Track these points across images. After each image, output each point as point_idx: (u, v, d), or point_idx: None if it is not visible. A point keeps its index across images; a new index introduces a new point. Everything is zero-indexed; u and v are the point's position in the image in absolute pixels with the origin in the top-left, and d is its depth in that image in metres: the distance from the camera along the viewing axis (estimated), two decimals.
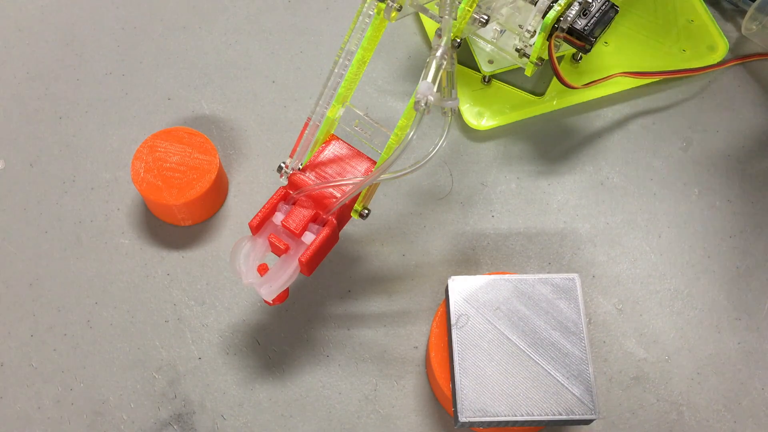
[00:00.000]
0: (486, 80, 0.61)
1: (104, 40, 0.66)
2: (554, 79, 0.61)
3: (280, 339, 0.55)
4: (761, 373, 0.54)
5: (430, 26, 0.65)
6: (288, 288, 0.48)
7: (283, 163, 0.50)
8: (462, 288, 0.49)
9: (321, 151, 0.51)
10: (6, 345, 0.55)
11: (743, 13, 0.66)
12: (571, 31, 0.51)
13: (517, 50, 0.55)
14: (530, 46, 0.54)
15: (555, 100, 0.61)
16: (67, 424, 0.53)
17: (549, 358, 0.47)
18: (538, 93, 0.61)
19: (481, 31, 0.57)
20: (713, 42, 0.64)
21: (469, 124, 0.61)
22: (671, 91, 0.63)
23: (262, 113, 0.63)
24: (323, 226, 0.48)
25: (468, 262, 0.57)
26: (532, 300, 0.48)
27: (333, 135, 0.51)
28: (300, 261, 0.47)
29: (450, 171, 0.60)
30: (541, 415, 0.45)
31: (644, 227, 0.58)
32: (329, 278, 0.57)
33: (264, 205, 0.49)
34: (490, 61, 0.60)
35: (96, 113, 0.63)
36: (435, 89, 0.45)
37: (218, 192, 0.58)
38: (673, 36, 0.64)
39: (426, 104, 0.45)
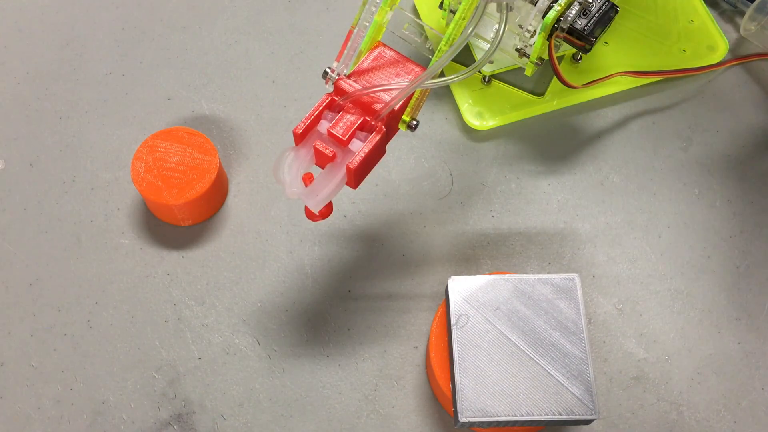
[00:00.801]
0: (486, 80, 0.61)
1: (104, 40, 0.66)
2: (554, 79, 0.61)
3: (280, 339, 0.55)
4: (761, 373, 0.54)
5: (430, 25, 0.64)
6: (332, 202, 0.46)
7: (329, 68, 0.47)
8: (462, 288, 0.49)
9: (367, 58, 0.48)
10: (6, 345, 0.55)
11: (742, 13, 0.66)
12: (572, 30, 0.51)
13: (517, 50, 0.55)
14: (530, 46, 0.54)
15: (555, 100, 0.61)
16: (67, 424, 0.53)
17: (549, 358, 0.47)
18: (538, 93, 0.61)
19: (482, 31, 0.57)
20: (713, 42, 0.64)
21: (469, 124, 0.61)
22: (671, 91, 0.63)
23: (262, 113, 0.63)
24: (371, 133, 0.46)
25: (468, 262, 0.57)
26: (532, 300, 0.48)
27: (380, 42, 0.49)
28: (348, 168, 0.45)
29: (450, 171, 0.60)
30: (541, 415, 0.45)
31: (644, 227, 0.58)
32: (329, 278, 0.57)
33: (309, 113, 0.46)
34: (490, 61, 0.60)
35: (96, 113, 0.63)
36: None
37: (218, 192, 0.58)
38: (673, 36, 0.64)
39: None
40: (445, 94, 0.63)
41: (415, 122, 0.47)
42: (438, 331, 0.50)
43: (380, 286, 0.56)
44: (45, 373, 0.54)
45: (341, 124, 0.45)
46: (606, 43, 0.63)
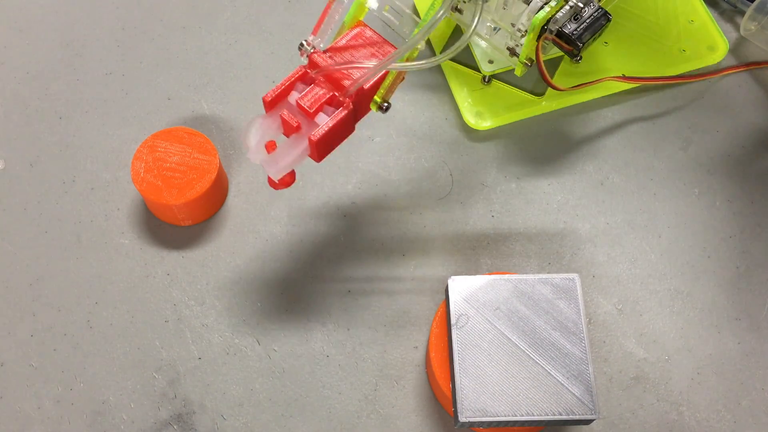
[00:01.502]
0: (486, 80, 0.61)
1: (104, 40, 0.66)
2: (553, 79, 0.61)
3: (280, 339, 0.55)
4: (761, 373, 0.54)
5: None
6: (294, 172, 0.47)
7: (305, 40, 0.47)
8: (462, 288, 0.49)
9: (345, 36, 0.49)
10: (6, 345, 0.55)
11: (742, 13, 0.66)
12: (560, 34, 0.51)
13: (509, 49, 0.54)
14: (520, 45, 0.53)
15: (555, 100, 0.61)
16: (67, 424, 0.53)
17: (549, 358, 0.47)
18: (538, 93, 0.61)
19: (479, 28, 0.57)
20: (713, 42, 0.64)
21: (469, 124, 0.61)
22: (671, 92, 0.63)
23: (262, 113, 0.62)
24: (338, 108, 0.46)
25: (468, 262, 0.57)
26: (532, 300, 0.48)
27: (360, 21, 0.49)
28: (310, 140, 0.46)
29: (450, 171, 0.60)
30: (541, 415, 0.45)
31: (644, 227, 0.58)
32: (329, 278, 0.57)
33: (281, 82, 0.47)
34: (490, 61, 0.60)
35: (96, 113, 0.63)
36: None
37: (218, 192, 0.58)
38: (673, 36, 0.64)
39: None
40: (445, 94, 0.63)
41: (386, 104, 0.47)
42: (438, 331, 0.50)
43: (380, 287, 0.56)
44: (45, 373, 0.54)
45: (309, 96, 0.46)
46: (606, 43, 0.63)
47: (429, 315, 0.56)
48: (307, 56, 0.47)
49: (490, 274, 0.50)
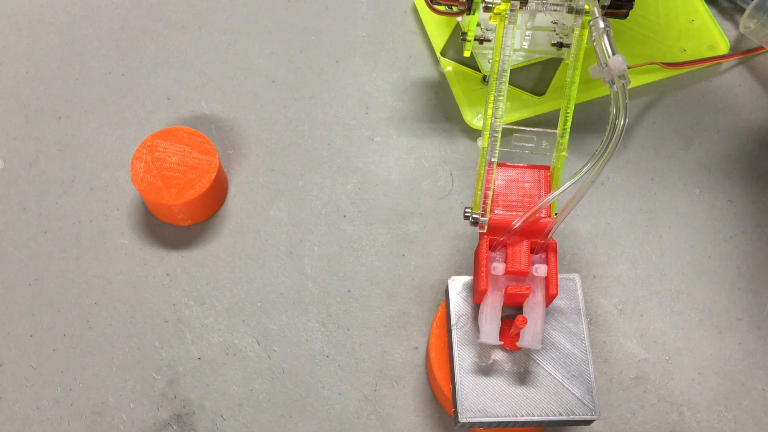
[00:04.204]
0: (486, 80, 0.61)
1: (104, 39, 0.66)
2: (554, 78, 0.61)
3: (280, 339, 0.55)
4: (762, 373, 0.54)
5: (430, 25, 0.64)
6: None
7: (470, 212, 0.46)
8: (462, 288, 0.48)
9: (488, 182, 0.47)
10: (5, 345, 0.55)
11: (741, 11, 0.65)
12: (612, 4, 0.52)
13: (554, 45, 0.55)
14: (567, 36, 0.55)
15: (555, 100, 0.61)
16: (67, 425, 0.53)
17: (549, 358, 0.46)
18: (538, 93, 0.61)
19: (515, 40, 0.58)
20: (714, 41, 0.64)
21: (470, 124, 0.61)
22: (672, 91, 0.63)
23: (262, 113, 0.62)
24: (545, 252, 0.46)
25: (468, 262, 0.57)
26: None
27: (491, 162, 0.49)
28: (551, 296, 0.45)
29: (450, 171, 0.60)
30: (541, 416, 0.45)
31: (645, 227, 0.58)
32: (329, 278, 0.57)
33: (478, 266, 0.46)
34: (490, 61, 0.60)
35: (95, 113, 0.63)
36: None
37: (218, 192, 0.58)
38: (673, 35, 0.64)
39: (623, 77, 0.43)
40: (445, 94, 0.63)
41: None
42: (438, 331, 0.50)
43: (380, 286, 0.56)
44: (44, 374, 0.54)
45: (517, 259, 0.45)
46: None
47: (429, 315, 0.55)
48: (486, 224, 0.46)
49: None
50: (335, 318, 0.55)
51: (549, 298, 0.46)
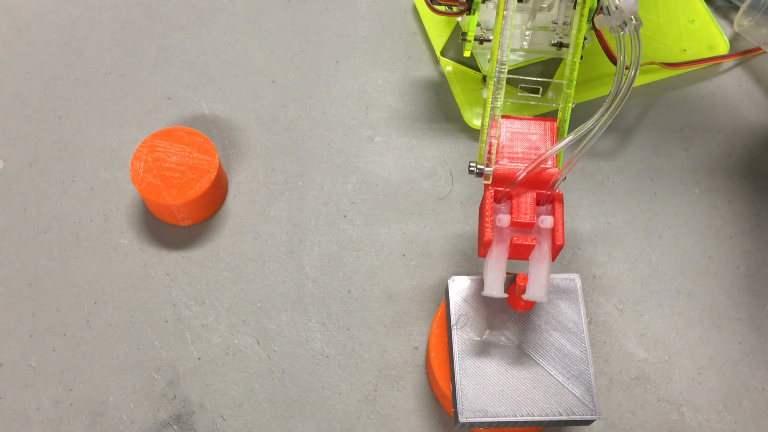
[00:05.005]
0: (486, 80, 0.61)
1: (104, 39, 0.66)
2: (554, 78, 0.61)
3: (280, 339, 0.55)
4: (762, 373, 0.54)
5: (430, 25, 0.64)
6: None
7: (474, 164, 0.45)
8: (462, 288, 0.48)
9: (493, 134, 0.47)
10: (5, 345, 0.55)
11: (736, 9, 0.65)
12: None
13: (554, 44, 0.55)
14: (567, 36, 0.54)
15: (555, 100, 0.61)
16: (67, 425, 0.53)
17: (549, 358, 0.46)
18: (538, 93, 0.61)
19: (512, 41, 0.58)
20: (714, 42, 0.64)
21: (469, 124, 0.61)
22: (672, 91, 0.63)
23: (262, 113, 0.62)
24: (551, 203, 0.45)
25: (468, 262, 0.57)
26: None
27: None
28: (557, 246, 0.44)
29: (450, 171, 0.60)
30: (541, 416, 0.45)
31: (645, 227, 0.58)
32: (329, 278, 0.57)
33: (483, 217, 0.45)
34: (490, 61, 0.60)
35: (95, 113, 0.63)
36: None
37: (218, 192, 0.58)
38: (674, 35, 0.64)
39: (635, 17, 0.42)
40: (445, 94, 0.63)
41: None
42: (438, 331, 0.50)
43: (380, 286, 0.56)
44: (44, 374, 0.54)
45: (522, 210, 0.44)
46: None
47: (429, 315, 0.55)
48: (491, 175, 0.45)
49: None
50: (335, 318, 0.55)
51: (556, 250, 0.44)
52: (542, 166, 0.45)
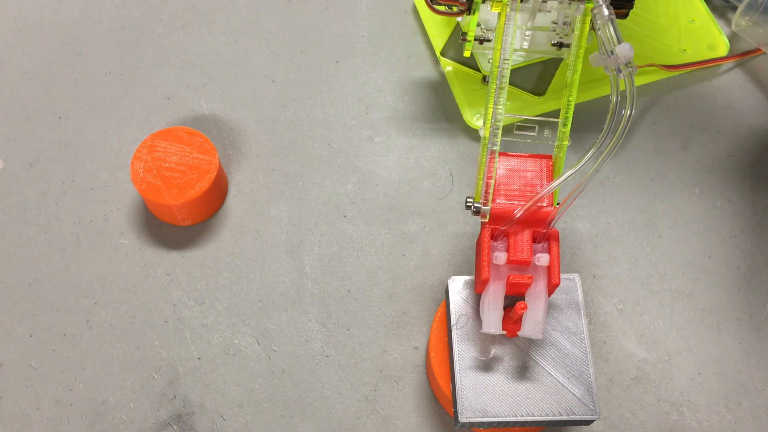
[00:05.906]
0: (486, 80, 0.61)
1: (103, 39, 0.66)
2: (554, 79, 0.61)
3: (280, 339, 0.55)
4: (762, 373, 0.54)
5: (430, 25, 0.64)
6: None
7: (471, 201, 0.46)
8: (462, 288, 0.48)
9: (490, 171, 0.47)
10: (5, 345, 0.55)
11: (734, 9, 0.65)
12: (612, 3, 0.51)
13: (554, 44, 0.55)
14: (567, 36, 0.54)
15: (555, 100, 0.61)
16: (66, 425, 0.53)
17: (549, 358, 0.46)
18: (538, 93, 0.61)
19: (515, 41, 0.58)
20: (714, 42, 0.64)
21: (470, 124, 0.61)
22: (672, 91, 0.63)
23: (262, 113, 0.62)
24: (547, 241, 0.46)
25: (468, 262, 0.57)
26: None
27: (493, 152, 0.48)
28: (553, 285, 0.45)
29: (450, 171, 0.60)
30: (541, 416, 0.45)
31: (645, 227, 0.58)
32: (329, 278, 0.57)
33: (480, 255, 0.45)
34: (490, 61, 0.60)
35: (95, 113, 0.63)
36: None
37: (218, 192, 0.58)
38: (673, 35, 0.64)
39: (630, 65, 0.43)
40: (445, 94, 0.63)
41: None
42: (438, 331, 0.50)
43: (380, 286, 0.56)
44: (44, 374, 0.54)
45: (518, 248, 0.45)
46: None
47: (429, 315, 0.55)
48: (488, 213, 0.46)
49: None
50: (335, 318, 0.55)
51: (551, 288, 0.45)
52: (538, 204, 0.46)
